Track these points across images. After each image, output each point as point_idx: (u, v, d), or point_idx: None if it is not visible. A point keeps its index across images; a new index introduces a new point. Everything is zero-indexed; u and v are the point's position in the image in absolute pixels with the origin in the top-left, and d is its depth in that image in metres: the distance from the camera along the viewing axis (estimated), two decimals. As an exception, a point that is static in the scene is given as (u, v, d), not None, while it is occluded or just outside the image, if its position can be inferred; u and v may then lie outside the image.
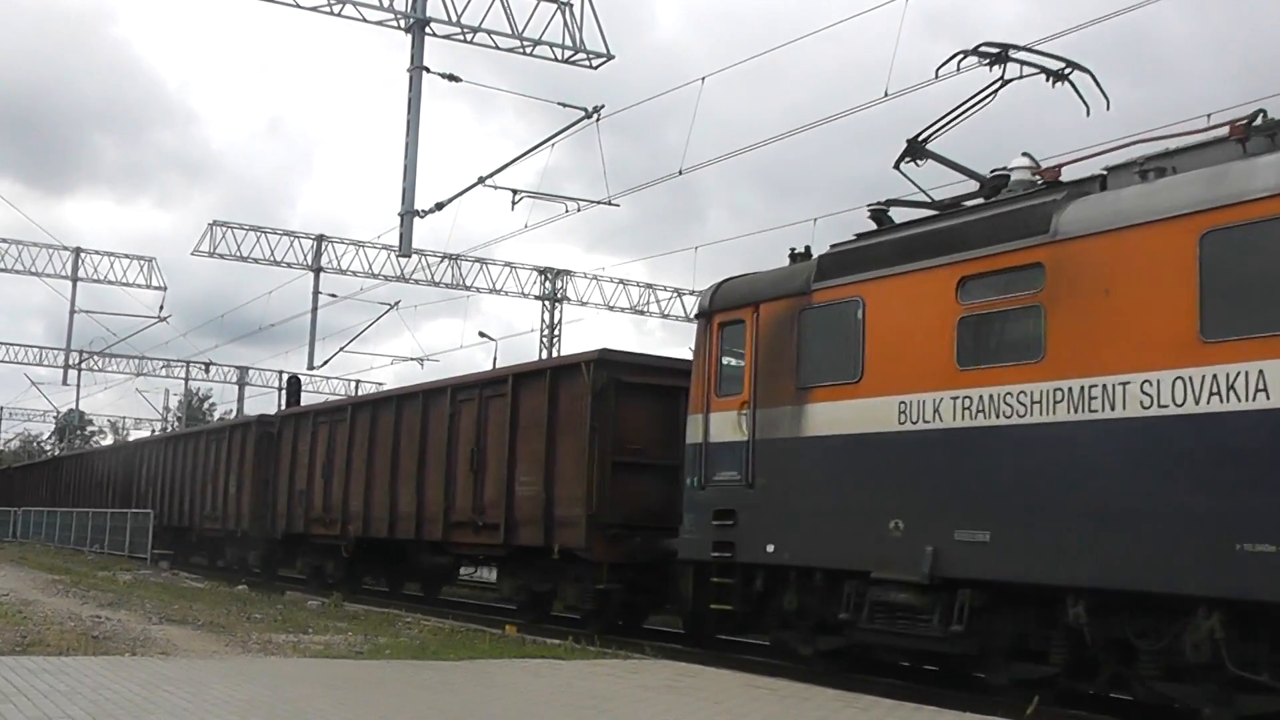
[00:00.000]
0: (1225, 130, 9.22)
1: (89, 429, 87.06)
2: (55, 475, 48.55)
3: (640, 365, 15.83)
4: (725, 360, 12.99)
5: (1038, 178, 10.55)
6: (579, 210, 24.63)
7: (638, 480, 15.08)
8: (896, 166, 11.87)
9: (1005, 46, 11.51)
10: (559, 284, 42.73)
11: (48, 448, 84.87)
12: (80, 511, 38.86)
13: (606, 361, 15.43)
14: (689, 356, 14.71)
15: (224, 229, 37.97)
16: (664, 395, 15.20)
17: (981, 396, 9.84)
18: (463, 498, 17.97)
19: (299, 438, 24.14)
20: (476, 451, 17.72)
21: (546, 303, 42.57)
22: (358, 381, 56.56)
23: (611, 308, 43.00)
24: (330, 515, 22.23)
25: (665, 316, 43.27)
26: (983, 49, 11.48)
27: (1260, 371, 7.99)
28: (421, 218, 22.05)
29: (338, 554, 22.54)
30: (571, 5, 22.15)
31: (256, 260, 38.24)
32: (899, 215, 11.82)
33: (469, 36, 21.98)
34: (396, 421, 20.35)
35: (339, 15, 21.73)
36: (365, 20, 21.80)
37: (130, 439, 46.83)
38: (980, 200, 11.15)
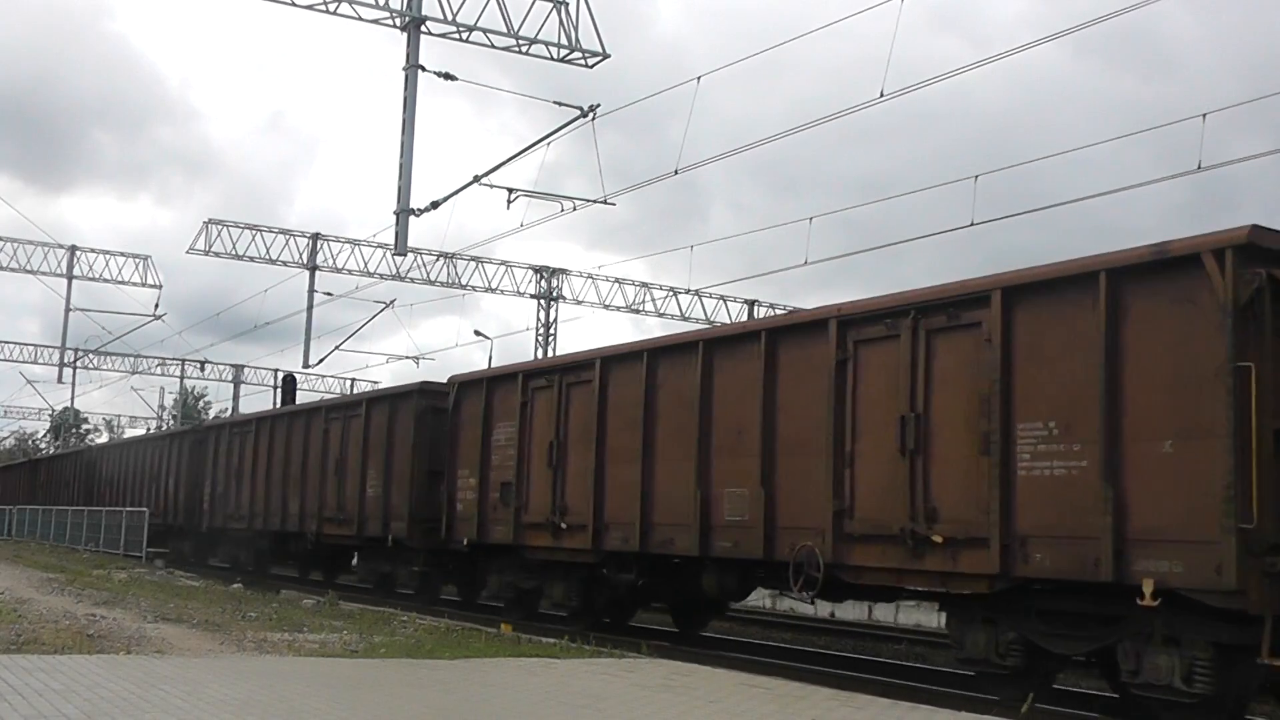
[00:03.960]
0: None
1: (84, 427, 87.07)
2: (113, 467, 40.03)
3: None
4: None
5: None
6: (574, 209, 24.63)
7: None
8: None
9: None
10: (554, 283, 42.75)
11: (42, 446, 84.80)
12: (75, 510, 39.10)
13: None
14: None
15: (219, 227, 38.01)
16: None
17: None
18: None
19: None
20: None
21: (542, 301, 42.61)
22: (353, 380, 56.56)
23: (608, 306, 43.05)
24: None
25: (661, 315, 43.32)
26: None
27: None
28: (417, 216, 22.03)
29: None
30: (567, 4, 22.15)
31: (252, 259, 38.26)
32: None
33: (464, 35, 21.97)
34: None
35: (334, 14, 21.70)
36: (361, 19, 21.81)
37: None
38: None
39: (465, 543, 17.81)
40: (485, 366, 31.88)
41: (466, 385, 18.50)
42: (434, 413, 19.28)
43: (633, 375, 14.72)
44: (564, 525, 15.59)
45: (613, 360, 15.32)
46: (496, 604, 18.54)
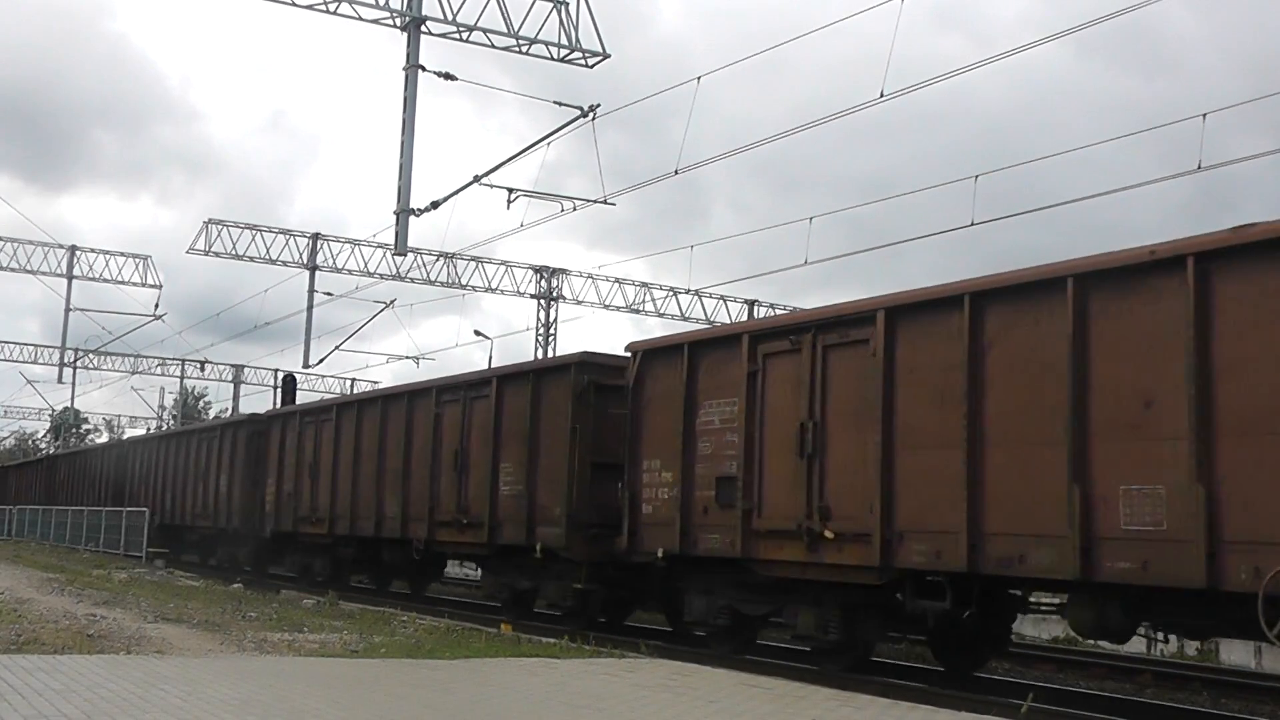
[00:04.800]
0: None
1: (84, 427, 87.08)
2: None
3: None
4: None
5: None
6: (574, 209, 24.63)
7: None
8: None
9: None
10: (554, 282, 42.77)
11: (42, 446, 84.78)
12: (75, 510, 38.86)
13: None
14: None
15: (219, 227, 38.07)
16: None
17: None
18: None
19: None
20: None
21: (541, 301, 42.63)
22: (353, 380, 56.55)
23: (607, 306, 43.09)
24: None
25: (661, 315, 43.35)
26: None
27: None
28: (417, 216, 22.05)
29: None
30: (567, 4, 22.15)
31: (252, 259, 38.32)
32: None
33: (465, 35, 21.97)
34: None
35: (334, 14, 21.71)
36: (361, 19, 21.82)
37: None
38: None
39: (660, 554, 14.08)
40: (487, 366, 31.74)
41: (655, 353, 14.72)
42: (598, 390, 15.95)
43: (943, 329, 11.02)
44: (827, 534, 11.89)
45: (905, 311, 11.53)
46: (701, 631, 14.59)
